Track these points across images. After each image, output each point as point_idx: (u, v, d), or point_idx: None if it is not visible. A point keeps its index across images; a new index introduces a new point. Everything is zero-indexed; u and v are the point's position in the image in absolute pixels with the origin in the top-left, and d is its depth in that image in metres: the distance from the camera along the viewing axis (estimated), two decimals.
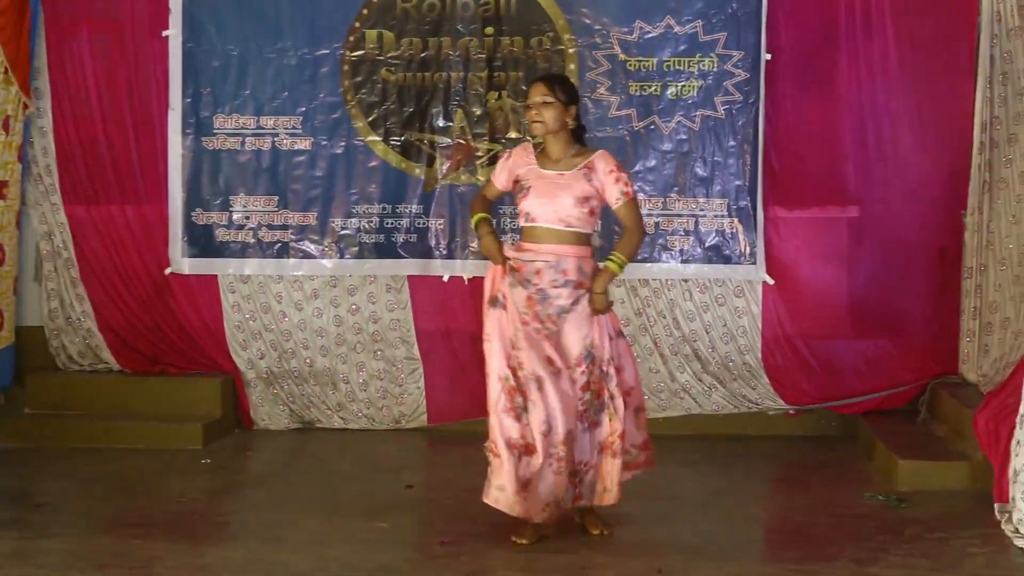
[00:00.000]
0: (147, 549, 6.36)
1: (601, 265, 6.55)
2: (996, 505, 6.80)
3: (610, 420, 6.45)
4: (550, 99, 6.49)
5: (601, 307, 6.43)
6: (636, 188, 6.47)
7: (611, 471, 6.47)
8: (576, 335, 6.43)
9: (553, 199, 6.45)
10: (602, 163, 6.52)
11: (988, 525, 6.67)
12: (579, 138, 6.68)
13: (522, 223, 6.60)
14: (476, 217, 6.79)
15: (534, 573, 5.97)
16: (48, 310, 9.87)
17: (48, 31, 9.67)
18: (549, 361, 6.36)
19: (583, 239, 6.54)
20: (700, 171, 9.23)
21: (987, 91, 8.80)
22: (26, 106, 9.48)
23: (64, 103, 9.73)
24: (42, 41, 9.66)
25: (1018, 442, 6.44)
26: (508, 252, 6.60)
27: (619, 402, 6.43)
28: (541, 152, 6.64)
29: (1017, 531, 6.35)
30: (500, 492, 6.30)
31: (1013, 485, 6.45)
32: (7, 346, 9.56)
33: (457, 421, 9.14)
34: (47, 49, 9.67)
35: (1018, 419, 6.46)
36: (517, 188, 6.64)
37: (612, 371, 6.45)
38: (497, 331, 6.48)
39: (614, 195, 6.48)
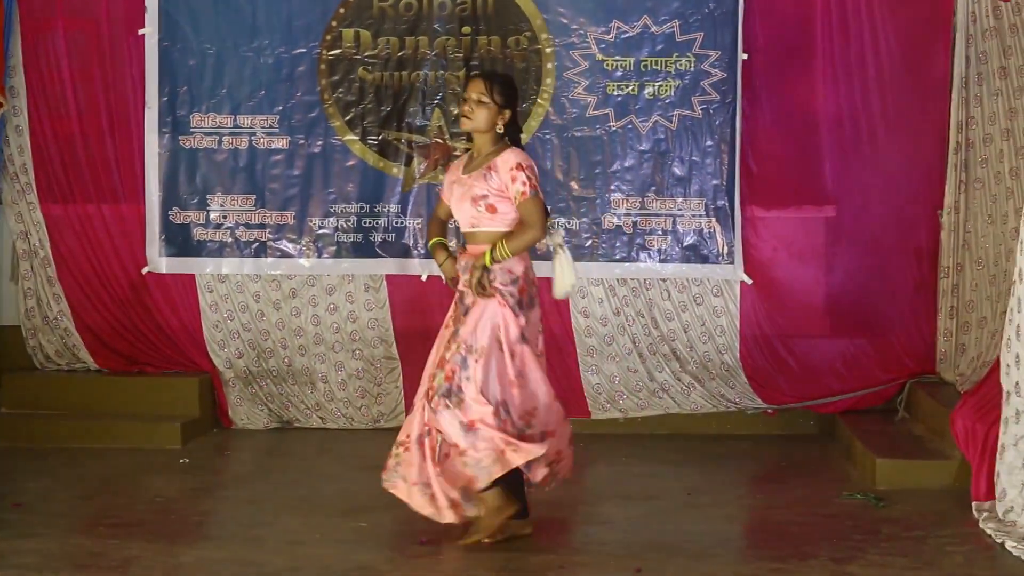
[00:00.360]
0: (125, 549, 6.33)
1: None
2: (974, 504, 6.83)
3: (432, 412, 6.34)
4: (485, 99, 6.39)
5: (477, 292, 6.31)
6: (534, 187, 6.32)
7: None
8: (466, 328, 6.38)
9: (461, 202, 6.49)
10: (503, 162, 6.40)
11: (966, 524, 6.68)
12: (514, 140, 6.57)
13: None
14: (432, 243, 6.83)
15: (512, 572, 5.95)
16: (25, 309, 9.85)
17: (24, 29, 9.65)
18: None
19: (495, 238, 6.39)
20: (678, 171, 9.24)
21: (963, 91, 8.83)
22: (1, 104, 9.45)
23: (40, 101, 9.70)
24: (17, 39, 9.64)
25: (1003, 445, 6.45)
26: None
27: (463, 402, 6.24)
28: (469, 153, 6.64)
29: (1002, 528, 6.36)
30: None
31: (1002, 478, 6.45)
32: None
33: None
34: (22, 47, 9.65)
35: (1003, 419, 6.47)
36: None
37: (475, 366, 6.28)
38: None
39: (514, 193, 6.37)
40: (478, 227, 6.45)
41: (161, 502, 7.48)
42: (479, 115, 6.40)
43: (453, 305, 6.59)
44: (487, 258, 6.27)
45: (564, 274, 6.50)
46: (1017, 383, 6.34)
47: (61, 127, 9.72)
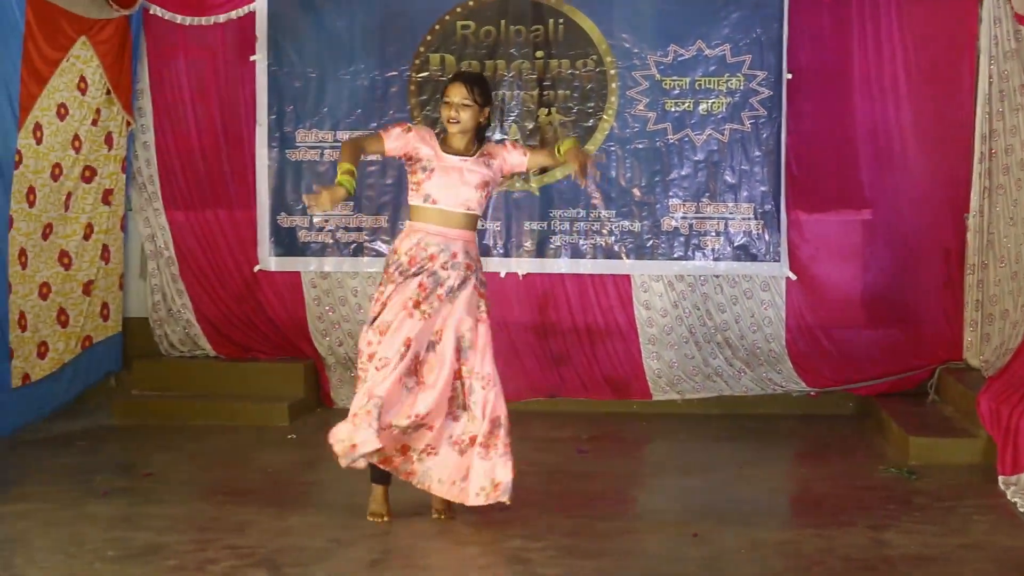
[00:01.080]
0: (240, 514, 6.39)
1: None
2: (1000, 478, 6.79)
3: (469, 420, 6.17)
4: (468, 101, 6.11)
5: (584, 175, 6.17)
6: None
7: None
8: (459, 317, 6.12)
9: (460, 186, 6.11)
10: (493, 148, 6.31)
11: (992, 496, 6.65)
12: (481, 138, 6.35)
13: (418, 203, 6.17)
14: (343, 167, 6.13)
15: (583, 537, 5.95)
16: (152, 303, 9.95)
17: (150, 58, 9.74)
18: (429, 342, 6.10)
19: (474, 222, 6.24)
20: (729, 178, 9.20)
21: (986, 107, 8.77)
22: (129, 123, 9.55)
23: (164, 120, 9.80)
24: (144, 67, 9.73)
25: None
26: (398, 246, 6.20)
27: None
28: (443, 141, 6.25)
29: None
30: None
31: None
32: (114, 335, 9.65)
33: (512, 401, 9.12)
34: (149, 73, 9.75)
35: None
36: (414, 166, 6.16)
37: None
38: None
39: (517, 156, 6.30)
40: (470, 210, 6.14)
41: (271, 473, 7.54)
42: (464, 116, 6.13)
43: (418, 288, 6.02)
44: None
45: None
46: None
47: (182, 142, 9.79)
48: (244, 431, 8.70)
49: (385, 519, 6.18)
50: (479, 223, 6.44)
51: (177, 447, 8.22)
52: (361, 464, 5.99)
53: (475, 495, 6.01)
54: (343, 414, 9.17)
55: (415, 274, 6.05)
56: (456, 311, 6.09)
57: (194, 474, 7.59)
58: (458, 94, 6.15)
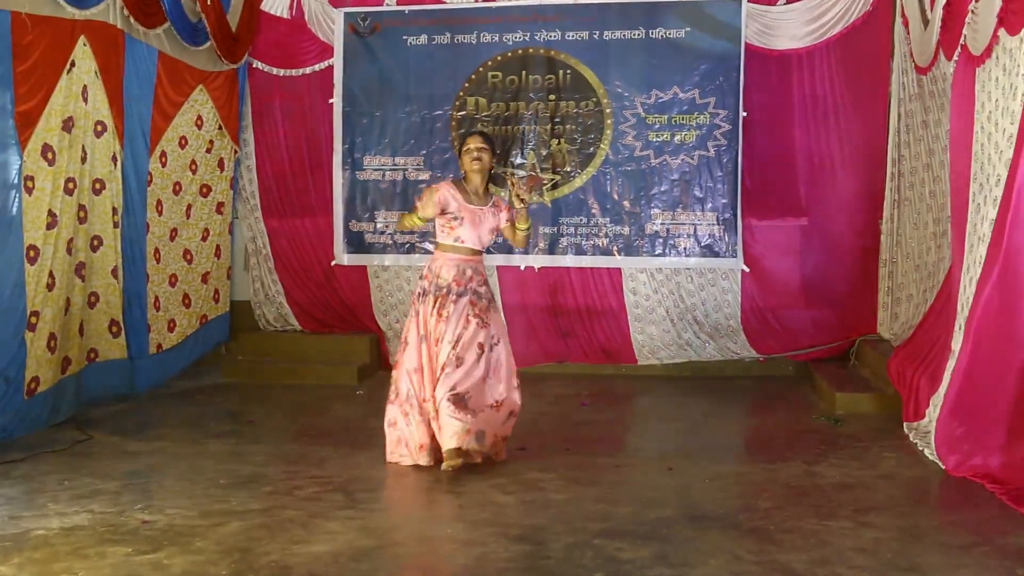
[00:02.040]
0: (320, 452, 6.46)
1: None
2: (904, 424, 6.81)
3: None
4: (485, 147, 6.29)
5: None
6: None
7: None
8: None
9: (477, 228, 6.18)
10: (501, 201, 6.40)
11: (898, 438, 6.67)
12: (491, 178, 6.49)
13: (448, 241, 6.19)
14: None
15: (584, 470, 5.99)
16: (253, 289, 10.01)
17: (252, 100, 9.80)
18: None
19: (480, 253, 6.29)
20: (698, 193, 9.19)
21: (896, 137, 8.79)
22: (236, 151, 9.61)
23: (263, 148, 9.86)
24: (248, 107, 9.79)
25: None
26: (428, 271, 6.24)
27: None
28: (461, 188, 6.26)
29: (922, 440, 6.34)
30: None
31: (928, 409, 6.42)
32: (224, 314, 9.71)
33: (530, 366, 9.12)
34: (252, 112, 9.80)
35: (946, 371, 6.41)
36: (445, 217, 6.15)
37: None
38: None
39: (505, 220, 6.30)
40: (486, 247, 6.33)
41: (343, 420, 7.58)
42: (485, 158, 6.27)
43: (433, 300, 6.11)
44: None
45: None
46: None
47: (277, 166, 9.84)
48: (323, 388, 8.73)
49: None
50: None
51: (272, 400, 8.28)
52: None
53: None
54: None
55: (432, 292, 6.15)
56: (454, 314, 6.07)
57: (285, 421, 7.63)
58: (476, 142, 6.31)
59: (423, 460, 6.08)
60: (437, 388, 5.98)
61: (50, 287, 6.84)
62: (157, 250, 8.50)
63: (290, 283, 9.89)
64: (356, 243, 9.70)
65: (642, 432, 7.26)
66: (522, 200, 6.14)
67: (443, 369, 5.98)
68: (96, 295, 7.63)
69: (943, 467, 5.85)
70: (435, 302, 6.10)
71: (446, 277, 6.14)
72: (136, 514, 5.08)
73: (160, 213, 8.54)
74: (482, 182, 6.34)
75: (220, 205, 9.46)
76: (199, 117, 8.97)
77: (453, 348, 6.00)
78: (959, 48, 6.36)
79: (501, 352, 6.22)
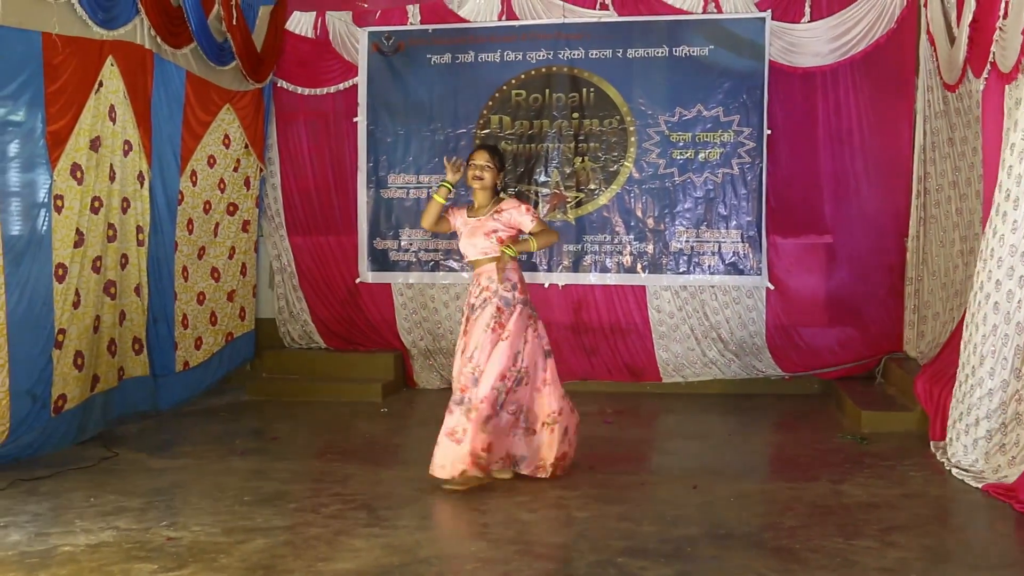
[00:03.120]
0: (344, 469, 6.48)
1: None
2: (931, 443, 6.77)
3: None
4: (490, 165, 6.21)
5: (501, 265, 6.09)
6: (538, 217, 6.17)
7: None
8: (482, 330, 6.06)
9: (472, 237, 6.16)
10: (509, 205, 6.20)
11: (924, 457, 6.63)
12: (497, 192, 6.32)
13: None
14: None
15: (608, 488, 5.97)
16: (278, 307, 10.06)
17: (277, 119, 9.88)
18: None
19: (494, 259, 6.10)
20: (722, 211, 9.18)
21: (922, 155, 8.74)
22: (261, 169, 9.68)
23: (288, 166, 9.92)
24: (273, 126, 9.86)
25: (957, 399, 6.38)
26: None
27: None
28: (470, 205, 6.33)
29: (950, 462, 6.29)
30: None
31: (950, 429, 6.38)
32: (249, 331, 9.75)
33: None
34: (277, 131, 9.87)
35: (955, 386, 6.38)
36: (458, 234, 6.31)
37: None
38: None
39: (527, 223, 6.16)
40: (487, 254, 6.13)
41: (368, 437, 7.61)
42: (487, 176, 6.20)
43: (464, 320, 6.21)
44: (508, 252, 6.08)
45: None
46: (965, 365, 6.27)
47: (302, 184, 9.90)
48: (347, 405, 8.75)
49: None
50: (502, 253, 6.16)
51: (296, 417, 8.31)
52: None
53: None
54: (424, 393, 9.36)
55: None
56: (479, 325, 6.07)
57: (309, 438, 7.66)
58: (481, 158, 6.25)
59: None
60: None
61: (76, 305, 6.89)
62: (185, 268, 8.55)
63: (314, 300, 9.92)
64: (380, 261, 9.73)
65: (666, 450, 7.23)
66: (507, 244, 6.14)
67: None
68: (124, 313, 7.68)
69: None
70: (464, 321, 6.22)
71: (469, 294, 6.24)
72: (161, 531, 5.10)
73: (191, 232, 8.60)
74: (488, 200, 6.27)
75: (246, 223, 9.52)
76: (226, 136, 9.04)
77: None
78: (988, 66, 6.33)
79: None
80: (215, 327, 9.11)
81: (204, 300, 8.88)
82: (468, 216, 6.28)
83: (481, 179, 6.21)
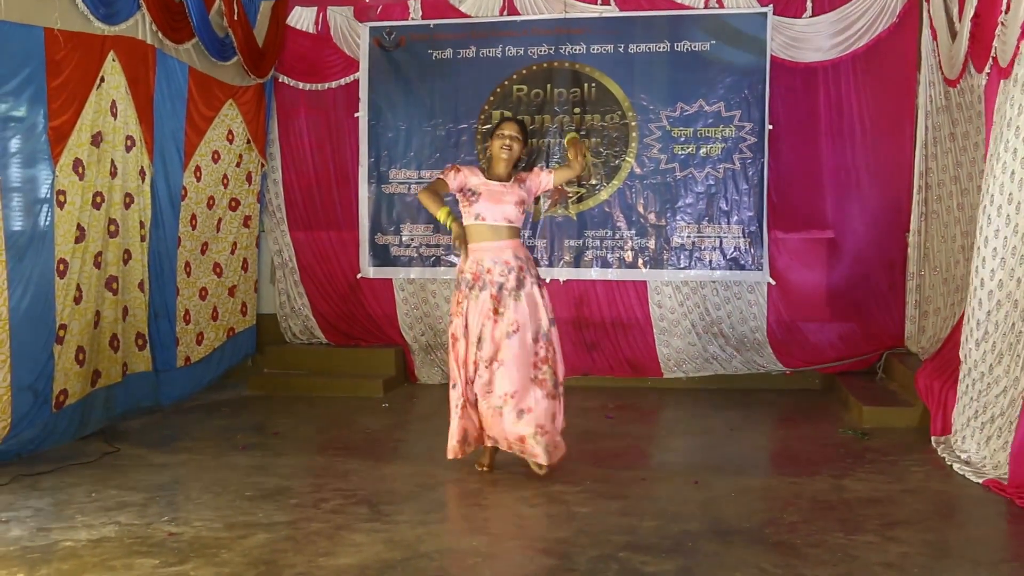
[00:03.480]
0: (345, 464, 6.47)
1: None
2: (932, 438, 6.77)
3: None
4: (519, 136, 6.16)
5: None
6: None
7: None
8: (531, 311, 6.02)
9: (499, 203, 6.03)
10: (527, 175, 6.23)
11: (926, 452, 6.63)
12: (516, 167, 6.27)
13: (471, 221, 6.05)
14: (444, 212, 5.97)
15: (609, 483, 5.98)
16: (279, 303, 10.06)
17: (279, 115, 9.87)
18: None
19: (516, 232, 6.13)
20: (723, 206, 9.18)
21: (923, 150, 8.73)
22: (263, 165, 9.68)
23: (289, 161, 9.92)
24: (274, 121, 9.85)
25: (959, 397, 6.38)
26: (462, 266, 6.08)
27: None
28: (486, 172, 6.18)
29: (956, 456, 6.30)
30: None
31: (963, 427, 6.38)
32: (251, 327, 9.76)
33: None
34: (278, 126, 9.86)
35: (960, 384, 6.38)
36: (467, 195, 6.07)
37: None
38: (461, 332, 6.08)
39: (546, 178, 6.24)
40: (511, 223, 6.05)
41: (369, 433, 7.59)
42: (515, 147, 6.16)
43: (491, 299, 5.98)
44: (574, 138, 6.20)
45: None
46: (968, 358, 6.27)
47: (303, 179, 9.90)
48: (348, 400, 8.76)
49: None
50: (522, 235, 6.33)
51: (297, 412, 8.31)
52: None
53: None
54: (426, 388, 9.37)
55: (482, 288, 6.01)
56: (524, 307, 6.00)
57: (310, 433, 7.65)
58: (511, 129, 6.19)
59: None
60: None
61: (77, 300, 6.89)
62: (188, 264, 8.56)
63: (316, 296, 9.93)
64: (382, 256, 9.73)
65: (667, 445, 7.23)
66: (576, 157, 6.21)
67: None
68: (127, 308, 7.69)
69: None
70: (490, 302, 6.01)
71: (477, 272, 6.05)
72: (163, 526, 5.11)
73: (194, 227, 8.62)
74: (506, 172, 6.21)
75: (247, 219, 9.52)
76: (230, 131, 9.05)
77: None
78: (990, 60, 6.33)
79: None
80: (216, 322, 9.11)
81: (207, 295, 8.89)
82: (488, 179, 6.15)
83: (510, 149, 6.14)
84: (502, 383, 5.94)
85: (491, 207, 6.04)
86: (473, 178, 6.13)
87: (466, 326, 6.05)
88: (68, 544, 4.83)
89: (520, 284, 6.02)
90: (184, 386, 8.58)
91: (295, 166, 9.91)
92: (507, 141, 6.14)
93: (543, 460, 5.94)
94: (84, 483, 5.94)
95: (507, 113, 9.30)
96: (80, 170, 6.88)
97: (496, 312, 5.98)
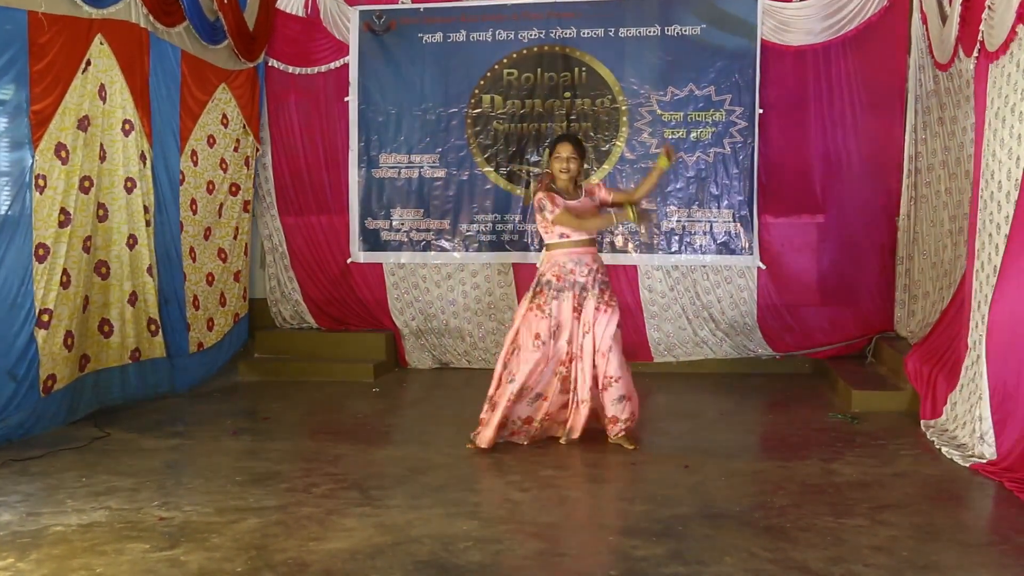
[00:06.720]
0: (336, 448, 6.47)
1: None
2: (922, 422, 6.79)
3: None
4: (575, 156, 6.48)
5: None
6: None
7: None
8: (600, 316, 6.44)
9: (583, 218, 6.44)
10: (591, 187, 6.66)
11: (915, 436, 6.64)
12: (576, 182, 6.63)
13: (555, 240, 6.45)
14: (621, 213, 6.53)
15: (600, 467, 6.00)
16: (269, 287, 10.07)
17: (269, 99, 9.84)
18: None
19: (594, 241, 6.60)
20: (713, 190, 9.18)
21: (913, 134, 8.72)
22: (257, 149, 9.65)
23: (279, 146, 9.89)
24: (264, 106, 9.80)
25: (961, 387, 6.39)
26: (545, 270, 6.50)
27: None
28: (555, 189, 6.49)
29: (941, 438, 6.32)
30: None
31: (947, 407, 6.40)
32: (246, 312, 9.74)
33: None
34: (268, 111, 9.83)
35: (963, 368, 6.38)
36: (542, 216, 6.42)
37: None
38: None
39: (605, 193, 6.64)
40: (591, 234, 6.52)
41: (360, 417, 7.58)
42: (573, 167, 6.49)
43: (573, 298, 6.42)
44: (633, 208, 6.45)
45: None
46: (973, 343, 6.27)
47: (293, 163, 9.87)
48: (338, 385, 8.76)
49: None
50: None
51: (288, 397, 8.30)
52: None
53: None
54: (416, 373, 9.37)
55: (567, 288, 6.42)
56: (590, 306, 6.42)
57: (301, 418, 7.65)
58: (566, 151, 6.49)
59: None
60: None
61: (65, 285, 6.85)
62: (192, 249, 8.58)
63: (306, 281, 9.92)
64: (372, 241, 9.71)
65: (658, 430, 7.22)
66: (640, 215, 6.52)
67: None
68: (135, 294, 7.69)
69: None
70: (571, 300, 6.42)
71: (560, 275, 6.48)
72: (153, 511, 5.10)
73: (195, 212, 8.60)
74: (573, 188, 6.56)
75: (247, 203, 9.55)
76: (224, 116, 9.03)
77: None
78: (978, 44, 6.32)
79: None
80: (225, 308, 9.17)
81: (214, 281, 8.92)
82: (567, 199, 6.47)
83: (569, 171, 6.48)
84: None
85: (578, 223, 6.42)
86: (562, 201, 6.44)
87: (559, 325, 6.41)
88: (58, 529, 4.82)
89: (595, 286, 6.47)
90: (198, 371, 8.63)
91: (285, 151, 9.87)
92: (565, 164, 6.48)
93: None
94: (74, 468, 5.92)
95: (500, 102, 9.35)
96: (63, 154, 6.83)
97: (576, 311, 6.43)
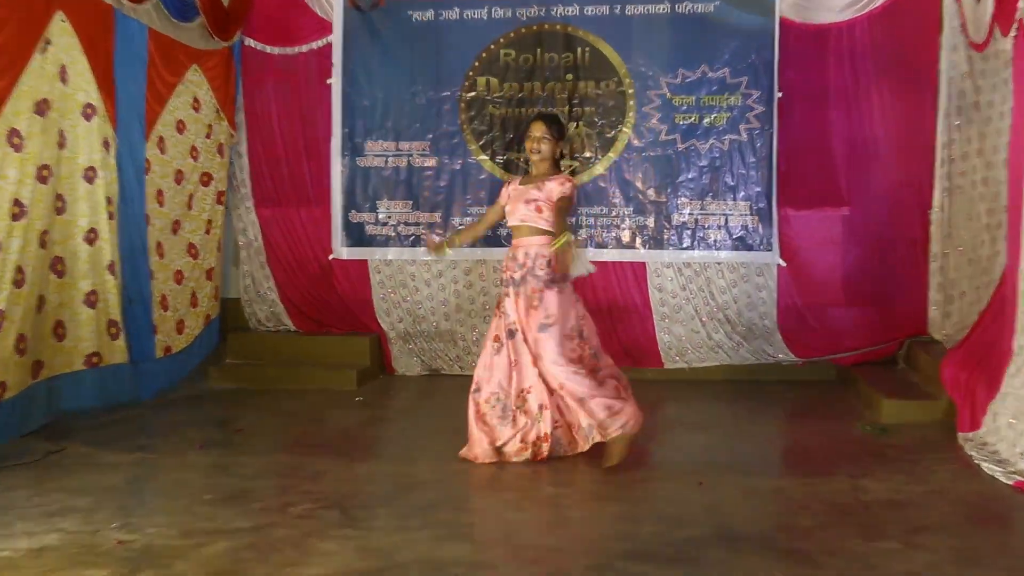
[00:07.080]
0: (315, 463, 6.39)
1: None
2: (959, 435, 6.73)
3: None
4: (547, 136, 6.49)
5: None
6: (576, 195, 6.89)
7: None
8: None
9: (516, 203, 6.46)
10: (554, 180, 6.42)
11: (952, 450, 6.58)
12: (557, 164, 6.61)
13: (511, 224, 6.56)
14: (453, 240, 6.93)
15: (605, 484, 5.94)
16: (243, 286, 10.04)
17: (244, 81, 9.82)
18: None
19: (535, 231, 6.42)
20: (729, 181, 9.14)
21: (946, 119, 8.71)
22: (232, 136, 9.59)
23: (255, 133, 9.86)
24: (240, 89, 9.77)
25: (1003, 395, 6.30)
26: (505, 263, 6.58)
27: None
28: (525, 174, 6.64)
29: (981, 453, 6.25)
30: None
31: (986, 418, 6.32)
32: (219, 314, 9.70)
33: None
34: (243, 94, 9.78)
35: (1005, 375, 6.30)
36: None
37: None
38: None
39: (557, 195, 6.36)
40: (525, 222, 6.40)
41: (341, 429, 7.55)
42: (544, 148, 6.49)
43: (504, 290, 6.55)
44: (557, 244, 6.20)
45: (577, 262, 6.27)
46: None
47: (270, 151, 9.85)
48: (319, 394, 8.70)
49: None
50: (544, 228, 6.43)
51: (263, 407, 8.24)
52: None
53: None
54: (403, 380, 9.30)
55: (508, 284, 6.49)
56: (521, 303, 6.41)
57: (277, 430, 7.58)
58: (538, 130, 6.52)
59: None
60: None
61: (18, 284, 6.74)
62: (160, 244, 8.50)
63: (284, 279, 9.88)
64: (356, 235, 9.67)
65: (669, 443, 7.17)
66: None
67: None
68: (95, 293, 7.60)
69: None
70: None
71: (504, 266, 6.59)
72: (111, 533, 5.01)
73: (161, 204, 8.53)
74: (548, 170, 6.55)
75: (220, 195, 9.51)
76: (196, 99, 8.99)
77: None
78: (1016, 23, 6.24)
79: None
80: (196, 309, 9.12)
81: (183, 279, 8.85)
82: (520, 184, 6.57)
83: (539, 152, 6.52)
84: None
85: (513, 208, 6.51)
86: (509, 188, 6.64)
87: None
88: (5, 554, 4.72)
89: (523, 281, 6.40)
90: (163, 378, 8.56)
91: (261, 137, 9.83)
92: (534, 144, 6.52)
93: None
94: (24, 486, 5.83)
95: (497, 85, 9.39)
96: (16, 141, 6.71)
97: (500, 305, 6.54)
